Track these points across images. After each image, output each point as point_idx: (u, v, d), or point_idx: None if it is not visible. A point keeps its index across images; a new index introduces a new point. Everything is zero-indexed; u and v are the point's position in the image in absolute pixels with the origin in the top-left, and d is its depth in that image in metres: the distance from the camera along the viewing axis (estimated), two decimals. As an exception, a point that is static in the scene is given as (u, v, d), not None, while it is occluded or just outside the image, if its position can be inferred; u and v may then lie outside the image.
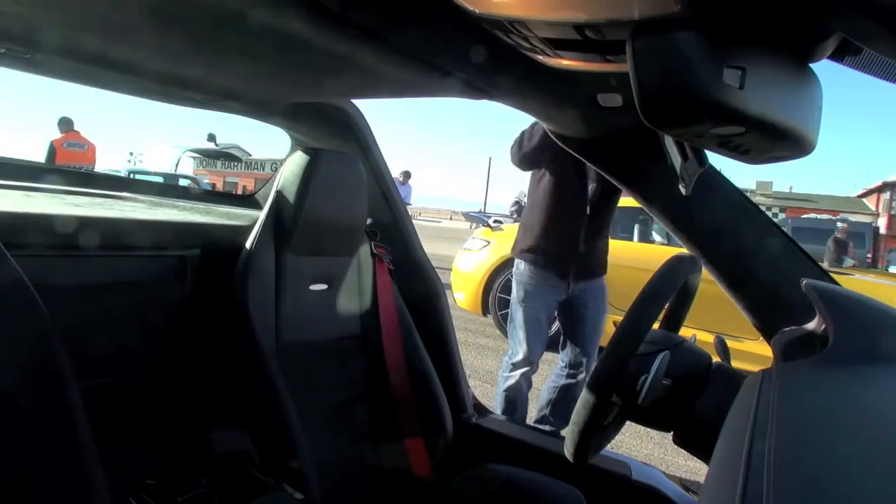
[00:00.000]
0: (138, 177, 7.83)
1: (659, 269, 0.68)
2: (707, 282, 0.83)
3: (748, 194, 0.88)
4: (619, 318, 0.67)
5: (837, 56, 0.48)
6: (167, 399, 1.02)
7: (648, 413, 0.71)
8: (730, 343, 0.81)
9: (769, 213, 3.46)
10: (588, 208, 2.00)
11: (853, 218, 15.23)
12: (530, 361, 2.11)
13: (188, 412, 1.01)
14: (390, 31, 0.65)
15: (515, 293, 2.15)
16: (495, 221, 4.77)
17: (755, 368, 0.62)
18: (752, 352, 2.74)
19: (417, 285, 1.38)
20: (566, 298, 2.13)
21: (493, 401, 2.31)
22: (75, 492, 0.58)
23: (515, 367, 2.13)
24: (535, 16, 0.54)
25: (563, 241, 2.03)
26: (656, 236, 4.22)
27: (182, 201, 1.42)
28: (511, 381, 2.13)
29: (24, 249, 0.80)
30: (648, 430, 0.78)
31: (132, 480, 0.81)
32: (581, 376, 2.15)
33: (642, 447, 2.56)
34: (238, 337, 1.00)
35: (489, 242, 4.36)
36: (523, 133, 2.01)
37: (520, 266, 2.14)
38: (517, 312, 2.13)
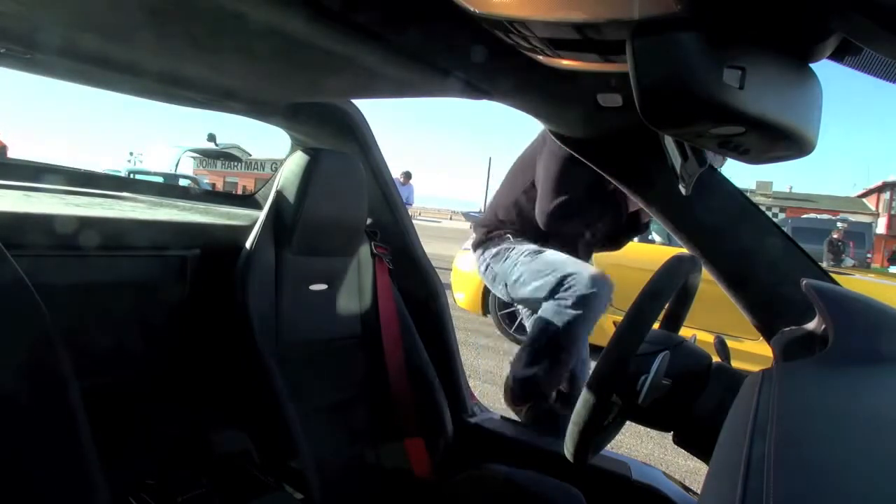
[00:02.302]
0: (138, 177, 7.85)
1: (659, 269, 0.68)
2: (707, 282, 0.83)
3: (748, 194, 0.88)
4: (619, 318, 0.67)
5: (837, 56, 0.48)
6: (167, 399, 1.02)
7: (648, 413, 0.71)
8: (730, 343, 0.81)
9: (769, 213, 3.46)
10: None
11: (853, 218, 15.21)
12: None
13: (188, 412, 1.01)
14: (390, 31, 0.65)
15: (521, 254, 1.70)
16: (495, 221, 4.76)
17: (755, 368, 0.62)
18: (752, 352, 2.73)
19: (417, 285, 1.38)
20: None
21: (493, 400, 2.30)
22: (75, 492, 0.58)
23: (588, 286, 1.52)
24: (535, 16, 0.54)
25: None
26: (656, 236, 4.22)
27: (182, 201, 1.42)
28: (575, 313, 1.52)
29: (24, 249, 0.80)
30: (648, 430, 0.78)
31: (132, 480, 0.81)
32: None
33: (642, 447, 2.56)
34: (238, 336, 1.00)
35: (489, 242, 4.35)
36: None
37: (507, 240, 1.81)
38: (545, 254, 1.66)
